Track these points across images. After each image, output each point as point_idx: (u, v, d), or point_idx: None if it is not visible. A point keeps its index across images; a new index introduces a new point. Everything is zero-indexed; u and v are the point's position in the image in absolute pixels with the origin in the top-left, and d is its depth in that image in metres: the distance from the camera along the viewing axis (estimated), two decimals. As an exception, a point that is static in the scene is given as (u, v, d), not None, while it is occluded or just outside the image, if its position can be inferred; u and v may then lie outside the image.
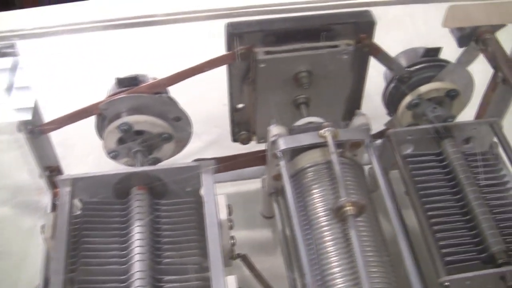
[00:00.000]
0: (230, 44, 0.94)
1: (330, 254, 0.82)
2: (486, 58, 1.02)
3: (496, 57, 0.98)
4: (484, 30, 0.99)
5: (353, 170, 0.90)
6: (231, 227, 0.95)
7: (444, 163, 0.98)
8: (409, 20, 1.18)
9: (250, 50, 0.94)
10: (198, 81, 0.99)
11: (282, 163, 0.88)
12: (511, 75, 0.95)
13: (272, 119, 0.94)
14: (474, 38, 1.00)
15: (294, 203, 0.84)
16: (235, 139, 1.08)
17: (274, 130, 0.90)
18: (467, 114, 1.12)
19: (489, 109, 1.11)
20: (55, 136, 1.06)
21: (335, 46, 0.96)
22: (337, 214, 0.81)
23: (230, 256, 0.93)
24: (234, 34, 0.93)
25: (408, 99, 1.03)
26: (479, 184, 0.97)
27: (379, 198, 0.93)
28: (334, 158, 0.85)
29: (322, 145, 0.89)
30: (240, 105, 1.04)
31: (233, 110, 1.05)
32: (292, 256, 0.91)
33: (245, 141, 1.07)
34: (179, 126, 1.01)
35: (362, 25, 0.96)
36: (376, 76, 1.09)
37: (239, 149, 1.11)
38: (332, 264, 0.81)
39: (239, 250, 1.05)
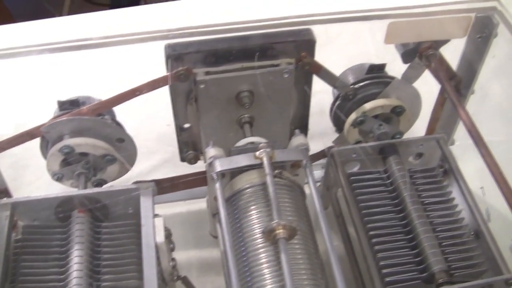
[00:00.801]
0: (169, 65, 0.94)
1: (264, 277, 0.81)
2: (431, 73, 1.01)
3: (438, 73, 0.97)
4: (427, 46, 0.98)
5: (291, 192, 0.89)
6: (172, 249, 0.95)
7: (389, 181, 0.97)
8: (368, 35, 1.17)
9: (189, 71, 0.93)
10: (152, 99, 0.99)
11: (217, 185, 0.87)
12: (453, 92, 0.94)
13: (209, 141, 0.93)
14: (418, 54, 0.99)
15: (227, 226, 0.83)
16: (182, 159, 1.07)
17: (211, 152, 0.90)
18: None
19: (440, 124, 1.10)
20: (8, 158, 1.05)
21: (276, 65, 0.96)
22: (269, 237, 0.80)
23: (170, 279, 0.92)
24: (172, 55, 0.93)
25: (353, 116, 1.02)
26: (424, 202, 0.96)
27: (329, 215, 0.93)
28: (269, 179, 0.84)
29: (260, 166, 0.88)
30: (187, 125, 1.04)
31: (180, 130, 1.04)
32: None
33: (192, 161, 1.06)
34: (123, 148, 1.00)
35: (303, 43, 0.95)
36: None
37: (192, 168, 1.10)
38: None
39: (188, 270, 1.05)
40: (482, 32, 0.98)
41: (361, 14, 0.94)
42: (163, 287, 0.92)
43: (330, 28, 1.01)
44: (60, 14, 2.50)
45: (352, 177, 0.97)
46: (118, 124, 1.01)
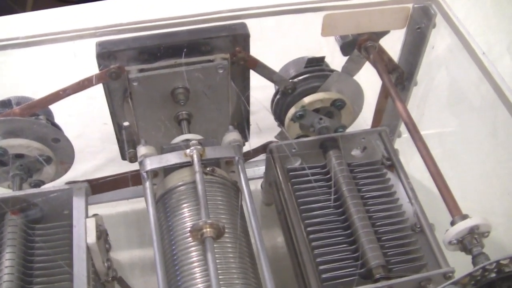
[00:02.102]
0: (101, 63, 0.92)
1: (193, 276, 0.79)
2: (371, 65, 1.00)
3: (377, 65, 0.96)
4: (366, 38, 0.97)
5: (224, 189, 0.87)
6: (108, 250, 0.93)
7: (328, 175, 0.96)
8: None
9: (121, 69, 0.91)
10: (96, 98, 0.97)
11: (147, 184, 0.85)
12: (390, 83, 0.92)
13: (146, 138, 0.92)
14: (357, 46, 0.98)
15: (155, 225, 0.81)
16: (123, 157, 1.05)
17: (141, 150, 0.88)
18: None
19: (388, 116, 1.09)
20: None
21: (211, 61, 0.94)
22: (196, 236, 0.79)
23: (105, 279, 0.91)
24: (102, 53, 0.91)
25: (292, 111, 1.01)
26: (364, 196, 0.94)
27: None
28: (198, 177, 0.83)
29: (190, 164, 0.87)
30: (126, 123, 1.02)
31: (119, 128, 1.02)
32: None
33: (133, 159, 1.04)
34: (59, 148, 0.98)
35: (237, 38, 0.93)
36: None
37: (135, 166, 1.08)
38: (196, 286, 0.79)
39: (132, 270, 1.03)
40: (420, 23, 0.97)
41: (295, 7, 0.92)
42: (100, 288, 0.91)
43: (267, 22, 0.99)
44: (24, 11, 2.47)
45: (291, 173, 0.96)
46: (54, 124, 0.99)
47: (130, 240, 1.08)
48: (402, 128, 1.14)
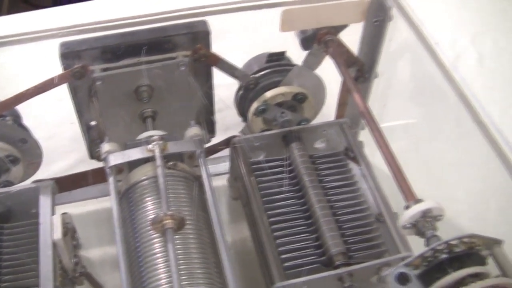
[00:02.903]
0: (65, 63, 0.94)
1: (156, 266, 0.81)
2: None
3: (335, 59, 0.98)
4: (325, 32, 0.99)
5: (186, 183, 0.89)
6: (76, 246, 0.95)
7: (290, 167, 0.98)
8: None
9: (85, 68, 0.93)
10: (66, 99, 0.99)
11: (110, 180, 0.87)
12: (348, 76, 0.94)
13: (112, 136, 0.94)
14: (316, 40, 1.00)
15: (118, 219, 0.83)
16: (92, 156, 1.07)
17: (105, 147, 0.90)
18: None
19: (351, 109, 1.11)
20: None
21: (174, 58, 0.96)
22: (157, 227, 0.80)
23: (73, 275, 0.92)
24: (67, 53, 0.93)
25: (254, 105, 1.03)
26: (326, 186, 0.97)
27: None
28: (159, 171, 0.85)
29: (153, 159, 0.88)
30: (93, 122, 1.04)
31: (87, 128, 1.04)
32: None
33: (101, 158, 1.06)
34: (27, 148, 1.00)
35: (197, 36, 0.95)
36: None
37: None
38: (158, 277, 0.81)
39: (102, 266, 1.05)
40: (378, 16, 0.99)
41: (254, 4, 0.94)
42: (68, 284, 0.92)
43: (233, 18, 1.01)
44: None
45: (254, 165, 0.98)
46: (21, 125, 1.01)
47: (101, 237, 1.09)
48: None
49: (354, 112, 1.11)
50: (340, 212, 0.93)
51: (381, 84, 1.10)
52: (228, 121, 1.15)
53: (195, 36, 0.95)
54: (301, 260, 0.88)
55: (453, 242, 0.74)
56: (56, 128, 1.18)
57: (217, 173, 1.14)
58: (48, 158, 1.04)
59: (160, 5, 0.97)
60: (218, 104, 1.09)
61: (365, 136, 1.13)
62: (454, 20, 1.50)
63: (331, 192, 0.96)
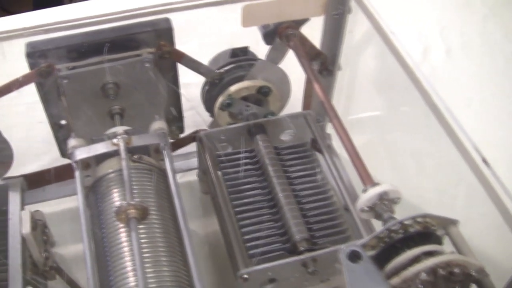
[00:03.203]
0: (31, 63, 0.96)
1: (122, 255, 0.83)
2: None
3: (297, 52, 1.00)
4: (286, 26, 1.01)
5: (150, 175, 0.91)
6: (46, 242, 0.97)
7: (255, 159, 1.00)
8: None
9: (51, 67, 0.95)
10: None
11: (76, 174, 0.89)
12: (309, 69, 0.96)
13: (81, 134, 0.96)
14: (278, 35, 1.02)
15: (84, 212, 0.85)
16: (63, 155, 1.09)
17: (72, 142, 0.92)
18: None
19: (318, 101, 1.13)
20: None
21: (139, 56, 0.98)
22: (121, 218, 0.82)
23: (43, 269, 0.94)
24: (33, 52, 0.95)
25: (220, 100, 1.05)
26: (291, 176, 0.99)
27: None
28: (124, 164, 0.87)
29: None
30: (63, 121, 1.05)
31: (57, 127, 1.06)
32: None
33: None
34: (-4, 148, 1.02)
35: (161, 33, 0.97)
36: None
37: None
38: (123, 265, 0.82)
39: (77, 263, 1.06)
40: (337, 9, 1.01)
41: (215, 0, 0.96)
42: (40, 279, 0.94)
43: (201, 15, 1.03)
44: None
45: (219, 158, 1.00)
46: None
47: (74, 234, 1.10)
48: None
49: (320, 105, 1.14)
50: (304, 201, 0.95)
51: (347, 77, 1.12)
52: (198, 119, 1.16)
53: (158, 34, 0.97)
54: (266, 247, 0.90)
55: (407, 222, 0.75)
56: (29, 131, 1.19)
57: (190, 168, 1.16)
58: (22, 160, 1.05)
59: (125, 3, 0.99)
60: (192, 102, 1.11)
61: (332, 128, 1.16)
62: (421, 13, 1.53)
63: (295, 182, 0.98)
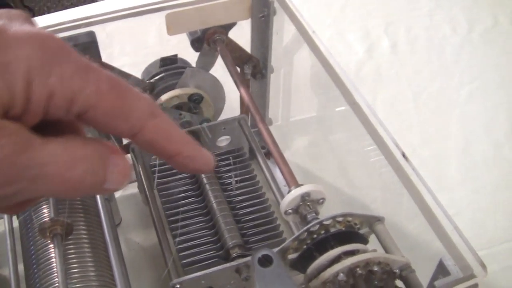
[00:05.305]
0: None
1: (48, 273, 0.82)
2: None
3: (223, 57, 1.00)
4: (212, 32, 1.01)
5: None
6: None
7: (189, 167, 0.99)
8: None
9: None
10: None
11: None
12: (236, 73, 0.96)
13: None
14: (205, 41, 1.02)
15: (9, 230, 0.85)
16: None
17: None
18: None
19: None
20: None
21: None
22: (45, 234, 0.82)
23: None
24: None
25: (152, 110, 1.04)
26: (225, 182, 0.98)
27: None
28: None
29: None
30: None
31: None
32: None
33: None
34: None
35: (85, 46, 0.97)
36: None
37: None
38: (50, 282, 0.82)
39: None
40: (263, 12, 1.01)
41: (136, 10, 0.96)
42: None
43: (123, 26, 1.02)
44: None
45: (153, 168, 0.99)
46: None
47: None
48: (273, 116, 1.18)
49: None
50: (238, 206, 0.95)
51: (281, 79, 1.12)
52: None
53: (83, 47, 0.97)
54: (200, 256, 0.90)
55: (327, 222, 0.75)
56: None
57: (132, 180, 1.15)
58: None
59: (47, 19, 0.98)
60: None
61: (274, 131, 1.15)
62: (368, 11, 1.53)
63: (230, 188, 0.97)
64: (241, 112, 1.12)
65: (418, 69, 1.42)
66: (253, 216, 0.94)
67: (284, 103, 1.17)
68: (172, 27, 0.98)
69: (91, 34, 0.97)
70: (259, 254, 0.69)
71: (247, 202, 0.96)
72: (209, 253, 0.90)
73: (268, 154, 1.03)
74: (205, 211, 0.95)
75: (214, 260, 0.89)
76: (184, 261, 0.89)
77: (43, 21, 0.99)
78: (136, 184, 1.14)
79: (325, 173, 1.19)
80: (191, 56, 1.08)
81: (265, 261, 0.68)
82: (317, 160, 1.20)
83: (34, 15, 2.64)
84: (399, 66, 1.43)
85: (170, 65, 1.05)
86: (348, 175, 1.17)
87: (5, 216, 0.86)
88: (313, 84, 1.11)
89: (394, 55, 1.45)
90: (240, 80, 0.96)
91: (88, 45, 0.97)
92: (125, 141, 1.08)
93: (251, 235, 0.92)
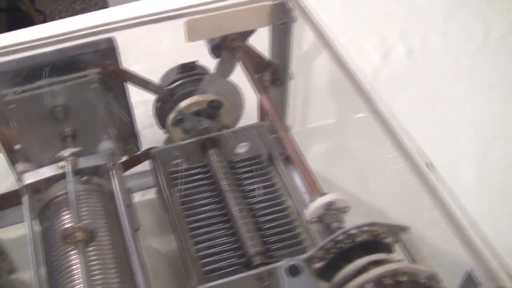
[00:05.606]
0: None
1: (71, 279, 0.82)
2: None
3: (243, 64, 1.00)
4: (232, 38, 1.01)
5: (101, 196, 0.91)
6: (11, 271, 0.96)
7: (209, 174, 0.99)
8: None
9: (-5, 92, 0.94)
10: None
11: (24, 198, 0.88)
12: (255, 80, 0.96)
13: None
14: (224, 48, 1.02)
15: (30, 236, 0.84)
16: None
17: (19, 167, 0.91)
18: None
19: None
20: None
21: (85, 76, 0.97)
22: (68, 241, 0.82)
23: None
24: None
25: (171, 116, 1.04)
26: (245, 189, 0.98)
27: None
28: (69, 186, 0.86)
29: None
30: (17, 146, 1.05)
31: (11, 152, 1.05)
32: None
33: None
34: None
35: (105, 53, 0.97)
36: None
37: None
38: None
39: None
40: (282, 19, 1.01)
41: (156, 17, 0.96)
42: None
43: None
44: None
45: (172, 175, 0.99)
46: None
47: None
48: (291, 122, 1.17)
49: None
50: (259, 214, 0.95)
51: (301, 85, 1.12)
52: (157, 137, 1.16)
53: (102, 54, 0.97)
54: (221, 263, 0.89)
55: (353, 232, 0.75)
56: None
57: (149, 186, 1.15)
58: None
59: (66, 25, 0.98)
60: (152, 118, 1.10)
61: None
62: (382, 17, 1.53)
63: (250, 195, 0.97)
64: (260, 119, 1.12)
65: (435, 75, 1.42)
66: (274, 224, 0.94)
67: (302, 110, 1.16)
68: (192, 34, 0.98)
69: (110, 41, 0.97)
70: (287, 263, 0.69)
71: (268, 209, 0.96)
72: (231, 260, 0.90)
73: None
74: (226, 218, 0.94)
75: (236, 267, 0.89)
76: (206, 269, 0.89)
77: (61, 26, 0.98)
78: (153, 190, 1.14)
79: (343, 180, 1.18)
80: (207, 63, 1.08)
81: (294, 271, 0.68)
82: (335, 167, 1.19)
83: (45, 19, 2.65)
84: (415, 73, 1.43)
85: (190, 71, 1.05)
86: (367, 182, 1.17)
87: (27, 221, 0.86)
88: (331, 90, 1.10)
89: (411, 61, 1.45)
90: (260, 87, 0.96)
91: (107, 52, 0.97)
92: (145, 147, 1.08)
93: (272, 242, 0.92)
